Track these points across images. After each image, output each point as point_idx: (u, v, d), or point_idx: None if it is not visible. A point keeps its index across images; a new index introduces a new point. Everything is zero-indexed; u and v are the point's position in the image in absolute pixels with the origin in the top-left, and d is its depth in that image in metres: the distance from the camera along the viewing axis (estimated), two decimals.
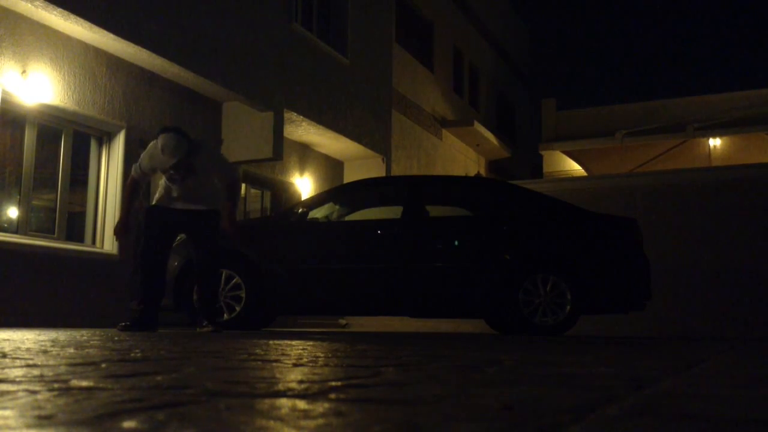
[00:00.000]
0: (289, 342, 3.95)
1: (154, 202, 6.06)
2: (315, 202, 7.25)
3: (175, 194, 5.87)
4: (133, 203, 6.04)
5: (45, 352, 2.54)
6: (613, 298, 6.63)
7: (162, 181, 5.99)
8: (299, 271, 6.74)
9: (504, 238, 6.74)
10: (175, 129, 5.79)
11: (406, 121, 15.23)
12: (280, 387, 1.48)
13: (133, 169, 5.96)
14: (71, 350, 2.66)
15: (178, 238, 6.16)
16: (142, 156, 5.94)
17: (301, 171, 12.14)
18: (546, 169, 19.53)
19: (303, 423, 0.99)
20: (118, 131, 8.49)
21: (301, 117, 10.82)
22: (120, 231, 5.90)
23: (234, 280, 6.56)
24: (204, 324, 5.83)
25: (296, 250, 6.83)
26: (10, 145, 7.51)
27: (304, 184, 12.13)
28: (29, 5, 7.01)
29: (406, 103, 15.27)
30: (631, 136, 17.58)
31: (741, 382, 1.90)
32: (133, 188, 5.95)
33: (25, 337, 3.75)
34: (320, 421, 1.02)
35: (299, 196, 11.69)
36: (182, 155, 5.61)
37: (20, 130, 7.57)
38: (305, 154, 12.30)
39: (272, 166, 11.26)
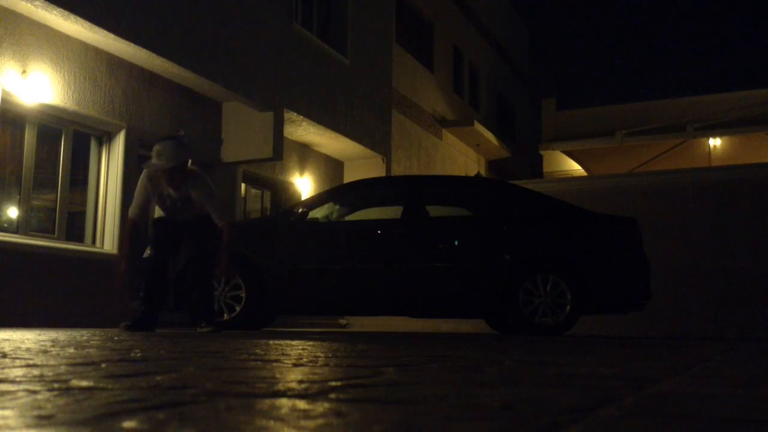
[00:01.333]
0: (289, 342, 3.95)
1: (155, 216, 6.04)
2: (315, 202, 7.25)
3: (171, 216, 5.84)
4: (133, 247, 5.79)
5: (45, 352, 2.54)
6: (613, 298, 6.63)
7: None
8: (299, 271, 6.73)
9: (504, 238, 6.74)
10: (175, 137, 5.75)
11: (406, 121, 15.23)
12: (280, 387, 1.48)
13: (129, 211, 5.86)
14: (71, 350, 2.66)
15: None
16: (134, 198, 5.86)
17: (301, 171, 12.15)
18: (546, 169, 19.53)
19: (303, 423, 0.99)
20: (118, 131, 8.49)
21: (301, 117, 10.82)
22: (121, 280, 5.60)
23: (234, 280, 6.56)
24: (204, 324, 5.83)
25: (296, 250, 6.82)
26: (10, 145, 7.51)
27: (304, 184, 12.13)
28: (29, 5, 7.00)
29: (406, 103, 15.27)
30: (631, 136, 17.57)
31: (741, 382, 1.90)
32: (133, 230, 5.76)
33: (25, 337, 3.75)
34: (320, 421, 1.02)
35: (299, 196, 11.69)
36: (181, 161, 5.57)
37: (20, 130, 7.57)
38: (305, 154, 12.30)
39: (272, 166, 11.26)
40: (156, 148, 5.59)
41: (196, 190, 5.74)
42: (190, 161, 5.74)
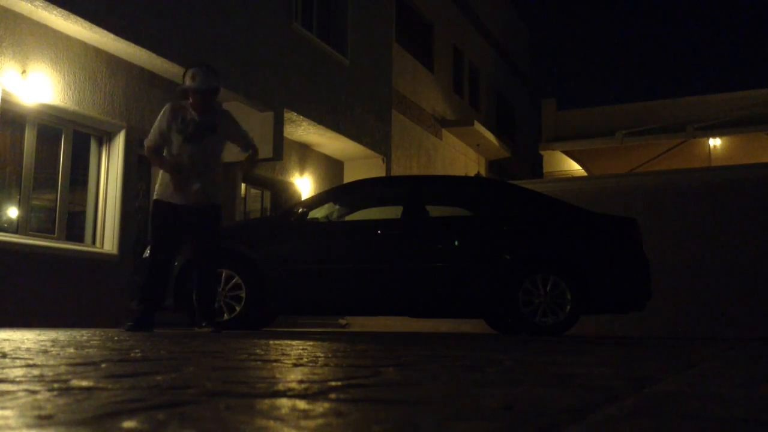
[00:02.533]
0: (289, 342, 3.95)
1: (156, 196, 5.83)
2: (315, 202, 7.25)
3: (185, 161, 5.67)
4: (163, 159, 5.75)
5: (45, 352, 2.54)
6: (613, 298, 6.63)
7: (161, 173, 5.84)
8: (299, 271, 6.73)
9: (504, 238, 6.74)
10: (206, 64, 5.98)
11: (406, 121, 15.23)
12: (280, 387, 1.48)
13: (145, 142, 5.87)
14: (71, 350, 2.66)
15: None
16: (152, 128, 5.85)
17: (301, 171, 12.14)
18: (546, 169, 19.53)
19: (303, 423, 0.99)
20: (118, 131, 8.49)
21: (301, 117, 10.82)
22: (173, 167, 5.64)
23: (234, 280, 6.55)
24: (204, 324, 5.82)
25: (296, 250, 6.82)
26: (10, 145, 7.52)
27: (304, 184, 12.13)
28: (29, 5, 7.01)
29: (406, 103, 15.27)
30: (631, 136, 17.57)
31: (741, 382, 1.90)
32: (155, 152, 5.75)
33: (25, 337, 3.75)
34: (320, 421, 1.02)
35: (299, 196, 11.69)
36: (213, 85, 5.69)
37: (20, 130, 7.57)
38: (305, 154, 12.30)
39: (272, 166, 11.26)
40: (189, 72, 5.72)
41: (224, 121, 5.85)
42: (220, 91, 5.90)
